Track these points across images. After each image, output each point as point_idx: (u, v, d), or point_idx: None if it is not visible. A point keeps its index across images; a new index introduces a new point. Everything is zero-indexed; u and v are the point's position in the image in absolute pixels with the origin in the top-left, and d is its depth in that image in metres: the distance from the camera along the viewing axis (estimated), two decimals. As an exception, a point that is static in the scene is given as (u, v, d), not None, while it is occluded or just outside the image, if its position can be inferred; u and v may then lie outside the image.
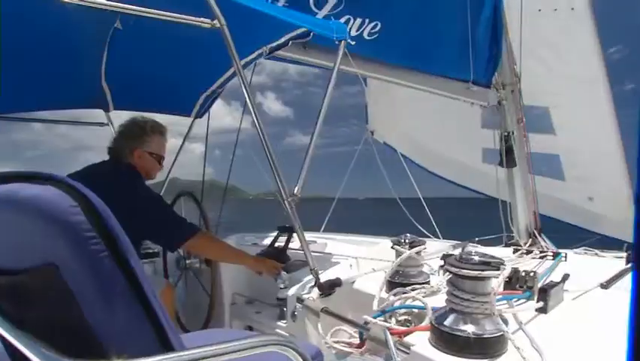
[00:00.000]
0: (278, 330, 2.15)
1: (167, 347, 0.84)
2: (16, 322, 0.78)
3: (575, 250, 2.93)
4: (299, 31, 2.20)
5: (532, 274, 1.64)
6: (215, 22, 1.74)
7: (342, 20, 2.61)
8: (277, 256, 2.42)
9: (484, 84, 3.39)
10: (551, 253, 2.55)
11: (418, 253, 1.74)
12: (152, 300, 0.82)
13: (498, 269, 1.23)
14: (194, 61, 2.88)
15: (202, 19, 1.73)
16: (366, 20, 2.70)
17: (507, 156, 3.52)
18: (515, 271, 1.65)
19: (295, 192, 1.72)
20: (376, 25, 2.73)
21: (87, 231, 0.75)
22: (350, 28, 2.65)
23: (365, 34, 2.70)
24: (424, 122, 4.98)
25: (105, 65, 2.98)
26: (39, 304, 0.85)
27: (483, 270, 1.21)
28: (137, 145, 2.43)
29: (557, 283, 1.61)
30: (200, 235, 2.24)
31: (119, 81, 3.14)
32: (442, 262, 2.02)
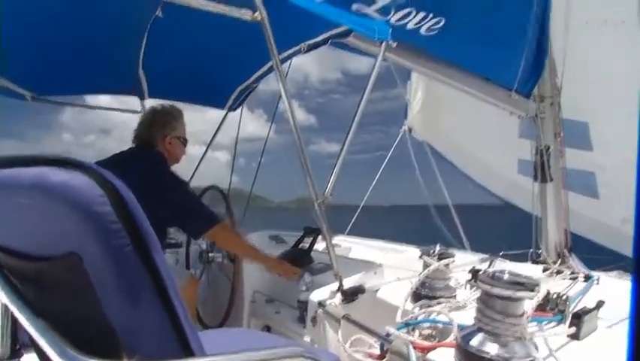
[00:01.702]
0: (297, 334, 2.12)
1: (186, 348, 0.82)
2: (36, 308, 0.77)
3: (607, 272, 2.82)
4: (340, 29, 2.17)
5: (564, 297, 1.57)
6: (257, 14, 1.72)
7: (404, 12, 2.49)
8: (301, 256, 2.39)
9: (525, 94, 3.29)
10: (583, 276, 2.46)
11: (446, 265, 1.69)
12: (174, 299, 0.80)
13: (532, 290, 1.17)
14: (231, 53, 2.88)
15: (243, 10, 1.72)
16: (430, 15, 2.57)
17: (542, 171, 3.42)
18: (546, 292, 1.59)
19: (326, 193, 1.69)
20: (440, 21, 2.60)
21: (113, 223, 0.73)
22: (408, 22, 2.53)
23: (423, 30, 2.57)
24: (463, 124, 4.86)
25: (143, 53, 3.01)
26: (59, 293, 0.83)
27: (517, 290, 1.15)
28: (167, 131, 2.46)
29: (592, 310, 1.54)
30: (223, 226, 2.26)
31: (156, 69, 3.17)
32: (469, 276, 1.96)
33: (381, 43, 1.98)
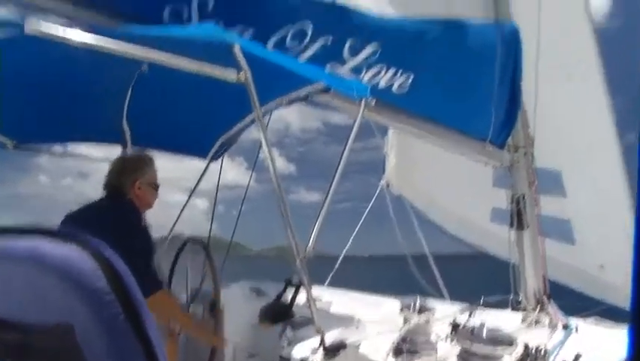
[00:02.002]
0: None
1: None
2: None
3: (585, 319, 2.86)
4: (319, 85, 2.24)
5: (542, 351, 1.59)
6: (242, 75, 1.79)
7: (374, 70, 2.61)
8: (282, 311, 2.38)
9: (499, 145, 3.41)
10: (562, 324, 2.49)
11: (426, 321, 1.71)
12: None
13: (511, 345, 1.20)
14: (214, 104, 2.94)
15: (228, 71, 1.78)
16: (400, 71, 2.68)
17: (518, 218, 3.50)
18: (525, 346, 1.61)
19: (308, 249, 1.71)
20: (409, 76, 2.71)
21: (107, 294, 0.74)
22: (380, 81, 2.65)
23: (394, 88, 2.69)
24: (438, 177, 4.99)
25: (128, 103, 3.05)
26: (46, 363, 0.83)
27: (496, 347, 1.18)
28: (137, 177, 2.46)
29: (569, 364, 1.56)
30: (164, 293, 2.25)
31: (140, 120, 3.20)
32: (450, 329, 1.97)
33: (361, 101, 2.05)
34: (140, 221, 2.41)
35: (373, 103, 2.07)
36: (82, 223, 2.23)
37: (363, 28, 2.54)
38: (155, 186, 2.56)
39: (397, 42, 2.64)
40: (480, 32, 3.02)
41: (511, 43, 3.22)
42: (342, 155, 2.04)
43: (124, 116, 3.17)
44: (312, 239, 1.74)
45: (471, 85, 3.09)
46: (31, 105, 2.70)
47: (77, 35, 1.56)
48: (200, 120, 3.12)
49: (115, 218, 2.26)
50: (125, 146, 3.43)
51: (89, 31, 1.60)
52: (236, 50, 1.77)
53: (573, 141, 4.51)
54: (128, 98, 2.99)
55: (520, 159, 3.60)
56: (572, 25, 4.53)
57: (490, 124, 3.20)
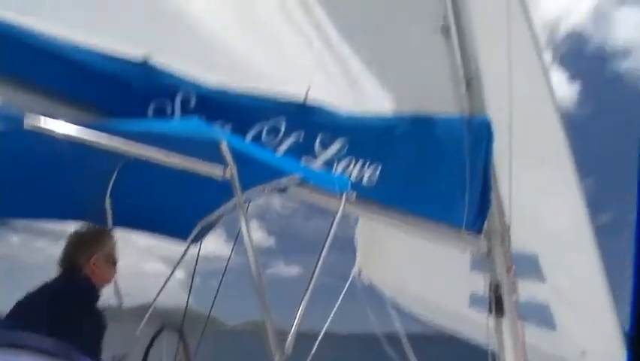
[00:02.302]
0: None
1: None
2: None
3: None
4: (296, 178, 2.32)
5: None
6: (227, 171, 1.86)
7: (344, 163, 2.74)
8: None
9: (475, 231, 3.48)
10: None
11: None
12: None
13: None
14: (196, 189, 2.98)
15: (215, 167, 1.85)
16: (367, 162, 2.82)
17: (496, 305, 3.51)
18: None
19: (286, 347, 1.69)
20: (377, 167, 2.84)
21: None
22: (351, 173, 2.77)
23: (365, 181, 2.81)
24: (411, 263, 5.01)
25: (112, 186, 3.09)
26: None
27: None
28: (93, 251, 2.43)
29: None
30: None
31: (122, 201, 3.23)
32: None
33: (342, 195, 2.13)
34: (93, 301, 2.35)
35: (354, 197, 2.15)
36: (32, 311, 2.17)
37: (331, 124, 2.72)
38: (113, 261, 2.51)
39: (364, 136, 2.84)
40: (449, 125, 3.20)
41: (482, 134, 3.40)
42: (321, 252, 2.07)
43: (107, 196, 3.20)
44: (291, 335, 1.73)
45: (442, 175, 3.22)
46: (11, 180, 2.72)
47: (72, 131, 1.66)
48: (181, 204, 3.17)
49: (66, 301, 2.21)
50: (105, 225, 3.43)
51: (83, 126, 1.70)
52: (224, 146, 1.85)
53: (548, 225, 4.62)
54: (113, 180, 3.04)
55: (497, 245, 3.67)
56: (541, 114, 4.78)
57: (464, 212, 3.29)
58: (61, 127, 1.64)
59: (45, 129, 1.60)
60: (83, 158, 2.61)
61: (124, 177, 3.02)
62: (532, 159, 4.58)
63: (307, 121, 2.62)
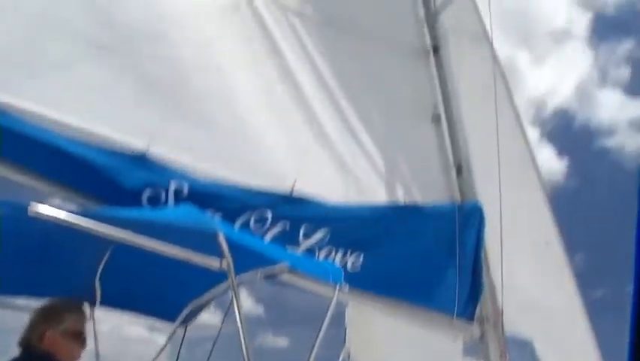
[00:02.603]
0: None
1: None
2: None
3: None
4: (285, 267, 2.33)
5: None
6: (224, 262, 1.88)
7: (326, 252, 2.83)
8: None
9: (467, 318, 3.45)
10: None
11: None
12: None
13: None
14: (187, 271, 2.97)
15: (211, 259, 1.87)
16: (348, 251, 2.90)
17: (492, 394, 3.42)
18: None
19: None
20: (359, 256, 2.93)
21: None
22: (333, 260, 2.84)
23: (349, 268, 2.87)
24: (402, 350, 4.89)
25: (103, 266, 3.07)
26: None
27: None
28: (44, 328, 2.30)
29: None
30: None
31: (112, 281, 3.19)
32: None
33: (335, 285, 2.14)
34: None
35: (347, 289, 2.16)
36: None
37: (315, 215, 2.87)
38: (77, 336, 2.38)
39: (346, 227, 3.00)
40: (438, 213, 3.28)
41: (473, 220, 3.46)
42: (316, 338, 2.05)
43: (97, 275, 3.16)
44: None
45: (432, 262, 3.26)
46: (8, 260, 2.69)
47: (73, 219, 1.71)
48: (171, 286, 3.14)
49: None
50: (93, 304, 3.35)
51: (83, 215, 1.76)
52: (221, 238, 1.88)
53: (542, 307, 4.59)
54: (104, 261, 3.01)
55: (490, 330, 3.63)
56: (529, 197, 4.89)
57: (455, 299, 3.28)
58: (63, 215, 1.71)
59: (48, 217, 1.66)
60: (77, 240, 2.62)
61: (115, 258, 3.00)
62: (521, 241, 4.64)
63: (292, 212, 2.76)
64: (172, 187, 2.41)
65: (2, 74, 2.24)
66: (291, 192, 2.74)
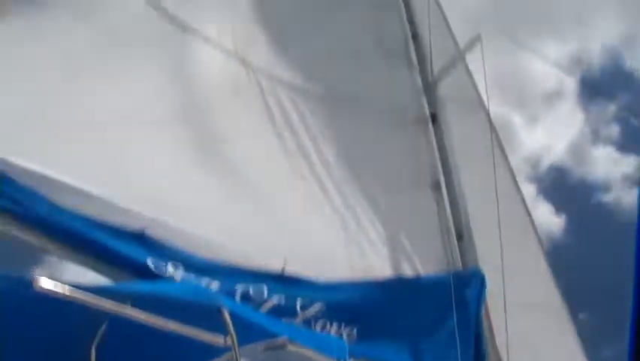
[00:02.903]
0: None
1: None
2: None
3: None
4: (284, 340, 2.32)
5: None
6: (228, 339, 1.87)
7: (321, 324, 2.85)
8: None
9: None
10: None
11: None
12: None
13: None
14: (185, 343, 2.93)
15: (216, 336, 1.86)
16: (342, 324, 2.92)
17: None
18: None
19: None
20: (353, 328, 2.95)
21: None
22: (329, 332, 2.86)
23: (344, 337, 2.87)
24: None
25: (100, 335, 3.01)
26: None
27: None
28: None
29: None
30: None
31: (108, 350, 3.12)
32: None
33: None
34: None
35: (351, 364, 2.13)
36: None
37: (309, 291, 2.96)
38: None
39: (339, 301, 3.00)
40: (437, 282, 3.29)
41: (474, 286, 3.44)
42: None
43: (93, 344, 3.09)
44: None
45: (432, 333, 3.23)
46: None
47: (78, 294, 1.71)
48: (172, 355, 3.05)
49: None
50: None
51: (87, 290, 1.76)
52: (225, 314, 1.88)
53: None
54: (101, 331, 2.96)
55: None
56: (529, 261, 4.88)
57: None
58: (67, 290, 1.74)
59: (52, 292, 1.69)
60: (74, 312, 2.59)
61: (111, 328, 2.96)
62: (522, 306, 4.59)
63: (286, 288, 2.86)
64: (170, 264, 2.48)
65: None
66: (282, 271, 2.82)
